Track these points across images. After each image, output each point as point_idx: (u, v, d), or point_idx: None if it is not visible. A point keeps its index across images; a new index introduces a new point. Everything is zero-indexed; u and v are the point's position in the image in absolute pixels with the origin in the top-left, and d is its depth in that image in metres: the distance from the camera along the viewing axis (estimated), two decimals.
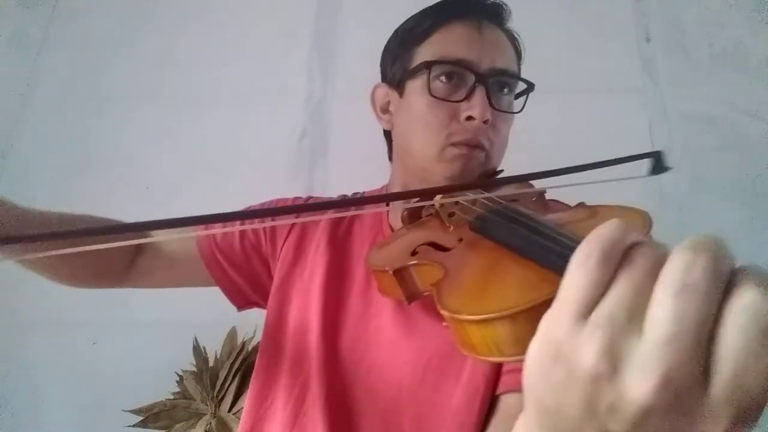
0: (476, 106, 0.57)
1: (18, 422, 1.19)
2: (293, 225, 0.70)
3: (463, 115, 0.58)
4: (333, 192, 0.79)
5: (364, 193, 0.76)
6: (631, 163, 0.49)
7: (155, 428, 1.03)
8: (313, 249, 0.67)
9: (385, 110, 0.68)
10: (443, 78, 0.60)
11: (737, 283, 0.21)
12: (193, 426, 1.01)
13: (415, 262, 0.47)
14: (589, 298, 0.22)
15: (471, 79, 0.59)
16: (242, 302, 0.73)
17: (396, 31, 0.68)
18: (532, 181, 0.57)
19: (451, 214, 0.52)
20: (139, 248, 0.69)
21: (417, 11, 0.67)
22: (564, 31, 1.40)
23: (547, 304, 0.27)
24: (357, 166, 0.87)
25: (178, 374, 1.08)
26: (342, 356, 0.59)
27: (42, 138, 1.40)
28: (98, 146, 1.39)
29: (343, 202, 0.69)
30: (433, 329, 0.54)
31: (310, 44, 1.45)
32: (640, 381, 0.20)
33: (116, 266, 0.68)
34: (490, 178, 0.62)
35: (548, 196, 0.60)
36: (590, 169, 0.51)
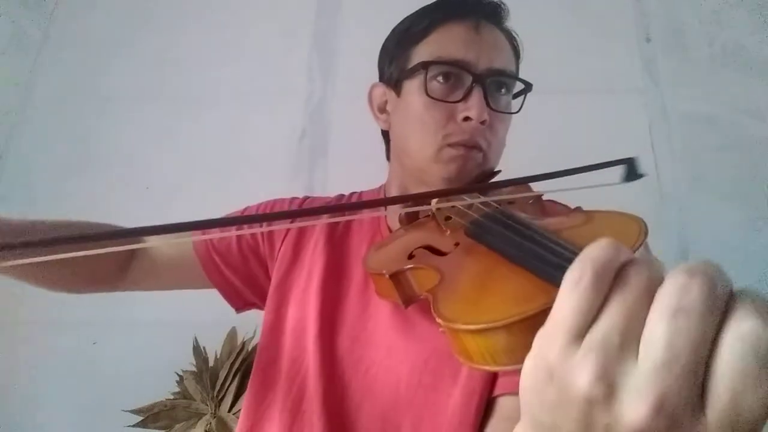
0: (473, 107, 0.57)
1: (18, 422, 1.19)
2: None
3: (460, 116, 0.58)
4: (333, 192, 0.78)
5: (361, 192, 0.76)
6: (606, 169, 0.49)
7: (155, 428, 1.03)
8: (311, 249, 0.67)
9: (383, 110, 0.68)
10: (440, 78, 0.59)
11: (735, 308, 0.20)
12: (193, 426, 1.01)
13: (411, 266, 0.47)
14: (581, 321, 0.22)
15: (468, 79, 0.59)
16: (240, 304, 0.73)
17: (393, 31, 0.68)
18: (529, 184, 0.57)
19: (447, 218, 0.52)
20: (133, 253, 0.69)
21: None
22: (564, 31, 1.40)
23: (542, 314, 0.27)
24: (357, 166, 0.87)
25: (178, 374, 1.08)
26: (340, 357, 0.59)
27: (42, 138, 1.40)
28: (98, 146, 1.39)
29: (340, 207, 0.69)
30: (431, 331, 0.54)
31: (310, 44, 1.45)
32: (635, 405, 0.20)
33: (109, 272, 0.68)
34: (486, 181, 0.62)
35: (546, 196, 0.60)
36: (564, 175, 0.51)
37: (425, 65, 0.59)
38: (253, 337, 1.07)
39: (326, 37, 1.46)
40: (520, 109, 0.65)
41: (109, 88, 1.44)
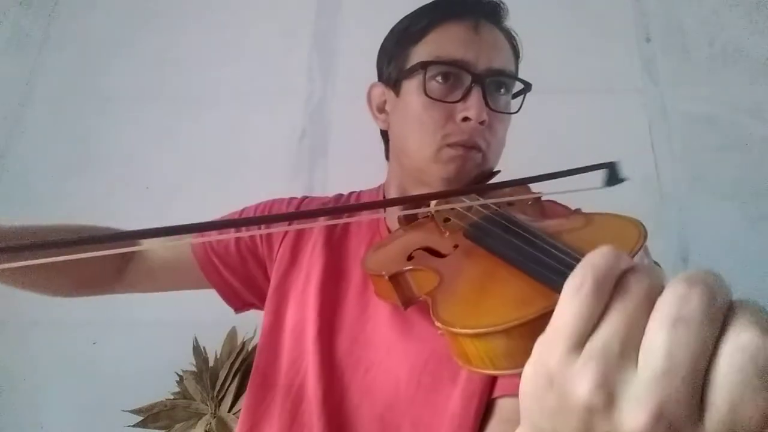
0: (472, 107, 0.57)
1: (18, 422, 1.19)
2: (289, 225, 0.70)
3: (459, 116, 0.58)
4: (333, 192, 0.78)
5: (360, 192, 0.76)
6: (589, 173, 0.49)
7: (155, 428, 1.03)
8: (310, 249, 0.67)
9: (382, 110, 0.68)
10: (439, 78, 0.59)
11: (734, 319, 0.20)
12: (193, 426, 1.01)
13: (411, 267, 0.47)
14: (582, 328, 0.22)
15: (467, 79, 0.58)
16: (239, 304, 0.73)
17: (392, 30, 0.67)
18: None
19: (446, 220, 0.52)
20: (128, 256, 0.69)
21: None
22: (564, 31, 1.40)
23: (541, 318, 0.27)
24: (357, 166, 0.87)
25: (178, 374, 1.08)
26: (339, 358, 0.59)
27: (42, 138, 1.40)
28: (98, 146, 1.39)
29: (338, 209, 0.69)
30: (430, 332, 0.53)
31: (310, 44, 1.45)
32: (634, 413, 0.20)
33: (102, 276, 0.68)
34: (485, 182, 0.62)
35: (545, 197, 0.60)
36: (545, 179, 0.51)
37: (424, 65, 0.59)
38: (253, 337, 1.07)
39: (326, 37, 1.46)
40: (519, 109, 0.65)
41: (109, 88, 1.44)
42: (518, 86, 0.65)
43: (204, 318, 1.01)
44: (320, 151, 1.36)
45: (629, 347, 0.21)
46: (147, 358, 1.14)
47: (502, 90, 0.62)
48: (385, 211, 0.67)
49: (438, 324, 0.34)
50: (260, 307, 0.71)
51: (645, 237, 0.35)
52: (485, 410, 0.50)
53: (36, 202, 1.31)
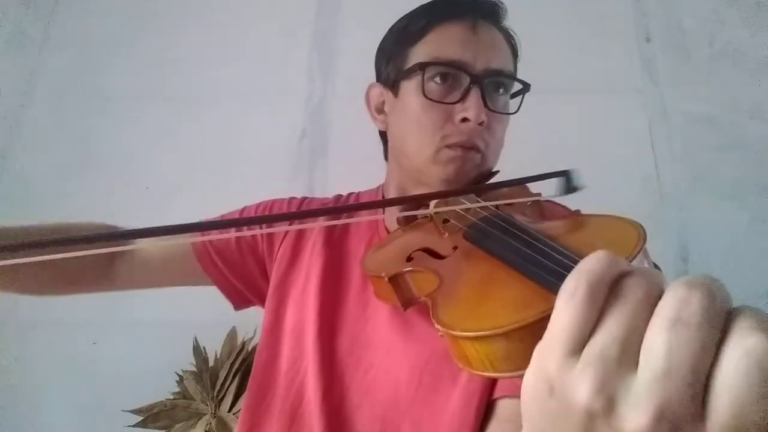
0: (471, 108, 0.57)
1: (18, 422, 1.19)
2: (290, 225, 0.70)
3: (458, 117, 0.58)
4: (333, 192, 0.78)
5: (359, 193, 0.76)
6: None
7: (155, 428, 1.03)
8: (310, 249, 0.67)
9: (380, 110, 0.68)
10: (438, 79, 0.59)
11: (738, 322, 0.20)
12: (193, 426, 1.01)
13: (410, 268, 0.47)
14: (578, 334, 0.22)
15: (466, 80, 0.58)
16: (238, 299, 0.73)
17: (390, 30, 0.67)
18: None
19: (445, 221, 0.51)
20: (118, 254, 0.68)
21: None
22: (564, 31, 1.40)
23: (541, 321, 0.27)
24: (357, 166, 0.87)
25: (178, 374, 1.08)
26: (339, 358, 0.59)
27: (42, 138, 1.40)
28: (98, 146, 1.39)
29: (338, 209, 0.69)
30: (430, 332, 0.53)
31: (310, 44, 1.45)
32: (635, 416, 0.20)
33: (91, 273, 0.67)
34: (484, 182, 0.62)
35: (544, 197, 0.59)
36: (502, 186, 0.51)
37: (422, 66, 0.59)
38: (253, 337, 1.07)
39: (326, 37, 1.46)
40: (518, 110, 0.65)
41: (109, 88, 1.44)
42: (517, 86, 0.64)
43: (204, 318, 1.01)
44: (320, 151, 1.36)
45: (627, 350, 0.21)
46: (147, 358, 1.14)
47: (501, 90, 0.62)
48: (384, 212, 0.67)
49: (438, 326, 0.34)
50: (258, 305, 0.71)
51: (644, 239, 0.34)
52: (485, 411, 0.50)
53: (36, 202, 1.31)
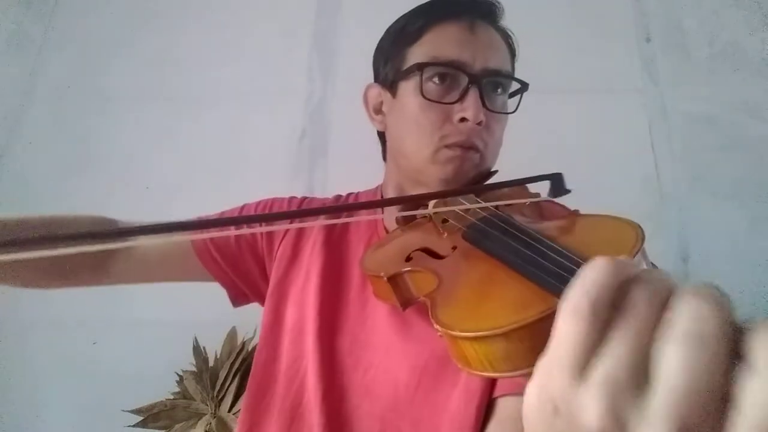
0: (469, 108, 0.57)
1: (18, 422, 1.19)
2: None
3: (457, 117, 0.58)
4: (333, 192, 0.79)
5: (358, 193, 0.76)
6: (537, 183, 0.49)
7: (155, 428, 1.03)
8: (310, 248, 0.67)
9: (378, 111, 0.68)
10: (436, 79, 0.59)
11: (755, 344, 0.19)
12: (193, 426, 1.01)
13: (409, 268, 0.47)
14: (582, 353, 0.22)
15: (464, 80, 0.58)
16: (238, 296, 0.73)
17: (388, 30, 0.67)
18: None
19: (444, 221, 0.52)
20: (114, 251, 0.67)
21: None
22: (564, 31, 1.40)
23: (540, 321, 0.27)
24: (357, 166, 0.87)
25: (178, 374, 1.08)
26: (339, 357, 0.59)
27: (42, 138, 1.40)
28: (98, 146, 1.39)
29: (338, 208, 0.69)
30: (429, 332, 0.53)
31: (310, 44, 1.45)
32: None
33: (87, 268, 0.66)
34: (483, 182, 0.62)
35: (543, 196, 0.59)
36: (492, 189, 0.51)
37: (420, 66, 0.59)
38: (253, 337, 1.07)
39: (326, 37, 1.46)
40: (516, 109, 0.65)
41: (109, 88, 1.45)
42: (515, 86, 0.64)
43: (204, 318, 1.01)
44: (320, 151, 1.36)
45: (635, 368, 0.21)
46: (147, 358, 1.14)
47: (499, 90, 0.62)
48: (383, 212, 0.67)
49: (437, 327, 0.34)
50: (257, 303, 0.71)
51: (642, 239, 0.34)
52: (485, 410, 0.50)
53: (36, 202, 1.31)
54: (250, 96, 1.41)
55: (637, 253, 0.33)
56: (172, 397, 1.06)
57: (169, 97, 1.43)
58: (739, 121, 1.31)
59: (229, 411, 1.01)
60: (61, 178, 1.35)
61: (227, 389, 1.03)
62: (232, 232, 0.68)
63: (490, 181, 0.63)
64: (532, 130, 0.90)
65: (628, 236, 0.35)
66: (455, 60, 0.58)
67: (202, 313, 0.98)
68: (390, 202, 0.65)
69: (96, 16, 1.52)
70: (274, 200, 0.74)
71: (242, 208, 0.74)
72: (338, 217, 0.71)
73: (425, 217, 0.57)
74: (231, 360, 1.05)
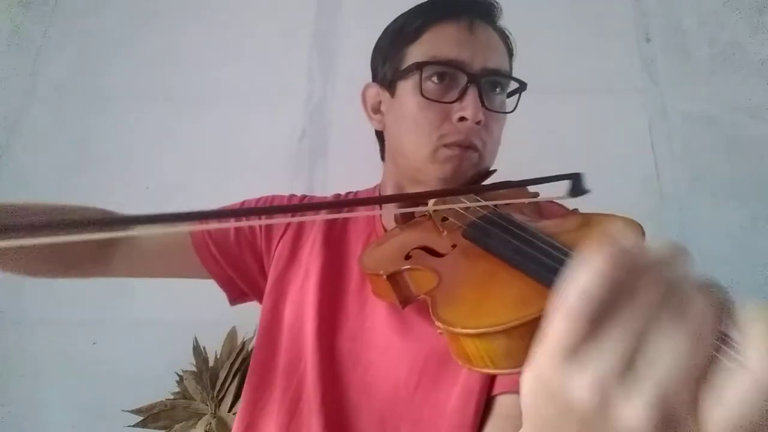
0: (468, 107, 0.57)
1: (18, 422, 1.19)
2: (289, 223, 0.70)
3: (456, 116, 0.58)
4: (332, 192, 0.79)
5: (357, 192, 0.76)
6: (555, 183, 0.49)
7: (155, 428, 1.03)
8: (309, 247, 0.67)
9: (377, 110, 0.68)
10: (435, 79, 0.59)
11: (744, 331, 0.20)
12: (193, 426, 1.01)
13: (408, 266, 0.47)
14: (576, 339, 0.22)
15: (463, 79, 0.58)
16: (236, 293, 0.73)
17: (386, 30, 0.67)
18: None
19: (444, 219, 0.52)
20: (119, 239, 0.67)
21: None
22: (564, 30, 1.40)
23: (541, 318, 0.27)
24: (357, 166, 0.87)
25: (178, 374, 1.08)
26: (339, 356, 0.59)
27: (42, 137, 1.40)
28: (98, 146, 1.39)
29: (336, 203, 0.69)
30: (428, 331, 0.54)
31: (310, 44, 1.45)
32: (633, 413, 0.20)
33: (89, 257, 0.66)
34: (482, 181, 0.62)
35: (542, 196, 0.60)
36: (510, 187, 0.51)
37: (419, 66, 0.59)
38: (253, 337, 1.06)
39: (326, 37, 1.46)
40: (515, 109, 0.65)
41: (109, 88, 1.44)
42: (513, 85, 0.65)
43: (204, 318, 1.01)
44: (320, 151, 1.36)
45: (627, 353, 0.21)
46: (147, 358, 1.14)
47: (498, 89, 0.62)
48: (381, 210, 0.68)
49: (438, 324, 0.35)
50: (255, 300, 0.71)
51: (643, 238, 0.35)
52: (484, 407, 0.50)
53: None
54: (250, 96, 1.41)
55: None
56: (172, 397, 1.06)
57: (169, 97, 1.43)
58: (739, 121, 1.31)
59: (229, 411, 1.01)
60: (61, 178, 1.35)
61: (227, 389, 1.03)
62: (232, 224, 0.67)
63: (489, 181, 0.63)
64: (532, 130, 0.90)
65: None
66: (454, 59, 0.58)
67: (202, 313, 0.98)
68: (391, 199, 0.65)
69: (96, 16, 1.52)
70: (274, 197, 0.74)
71: (242, 204, 0.74)
72: (338, 212, 0.70)
73: (424, 215, 0.57)
74: (231, 360, 1.05)
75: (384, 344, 0.57)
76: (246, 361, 1.05)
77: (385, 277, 0.48)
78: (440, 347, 0.52)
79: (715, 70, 1.36)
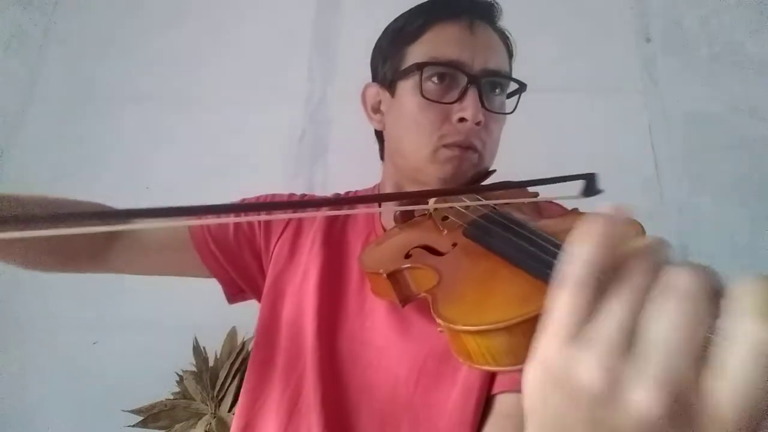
0: (468, 108, 0.57)
1: (18, 422, 1.19)
2: (288, 222, 0.70)
3: (456, 117, 0.58)
4: (332, 192, 0.79)
5: (356, 192, 0.76)
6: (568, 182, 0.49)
7: (155, 428, 1.03)
8: (308, 247, 0.67)
9: (377, 110, 0.68)
10: (435, 79, 0.59)
11: (740, 303, 0.21)
12: (193, 426, 1.01)
13: (408, 265, 0.47)
14: (577, 321, 0.22)
15: (463, 80, 0.58)
16: (235, 292, 0.73)
17: (386, 30, 0.67)
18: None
19: (444, 218, 0.52)
20: (119, 234, 0.67)
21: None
22: (563, 30, 1.40)
23: (542, 316, 0.27)
24: (357, 165, 0.87)
25: (178, 374, 1.08)
26: (339, 355, 0.59)
27: (42, 138, 1.40)
28: (98, 146, 1.39)
29: (336, 201, 0.69)
30: (428, 330, 0.54)
31: (310, 44, 1.45)
32: (642, 395, 0.20)
33: (88, 251, 0.66)
34: (481, 181, 0.62)
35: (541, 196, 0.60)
36: (524, 186, 0.51)
37: (420, 66, 0.59)
38: (253, 337, 1.07)
39: (326, 37, 1.46)
40: (514, 109, 0.65)
41: (109, 88, 1.44)
42: (513, 86, 0.65)
43: (204, 318, 1.01)
44: (320, 151, 1.36)
45: (628, 331, 0.21)
46: (147, 358, 1.14)
47: (498, 90, 0.62)
48: (380, 207, 0.68)
49: (439, 321, 0.35)
50: (254, 298, 0.71)
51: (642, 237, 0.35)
52: (484, 407, 0.51)
53: None
54: (250, 96, 1.41)
55: None
56: (172, 397, 1.06)
57: (169, 97, 1.43)
58: (739, 121, 1.30)
59: (229, 411, 1.01)
60: (61, 178, 1.34)
61: (227, 389, 1.03)
62: (232, 219, 0.67)
63: (488, 181, 0.63)
64: (532, 130, 0.90)
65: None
66: (455, 60, 0.58)
67: (202, 313, 0.98)
68: (392, 197, 0.65)
69: (96, 15, 1.52)
70: (274, 195, 0.74)
71: (242, 201, 0.74)
72: (338, 209, 0.70)
73: (424, 214, 0.57)
74: (231, 360, 1.05)
75: (383, 343, 0.57)
76: (246, 361, 1.04)
77: (385, 275, 0.48)
78: (440, 346, 0.52)
79: (715, 70, 1.36)
